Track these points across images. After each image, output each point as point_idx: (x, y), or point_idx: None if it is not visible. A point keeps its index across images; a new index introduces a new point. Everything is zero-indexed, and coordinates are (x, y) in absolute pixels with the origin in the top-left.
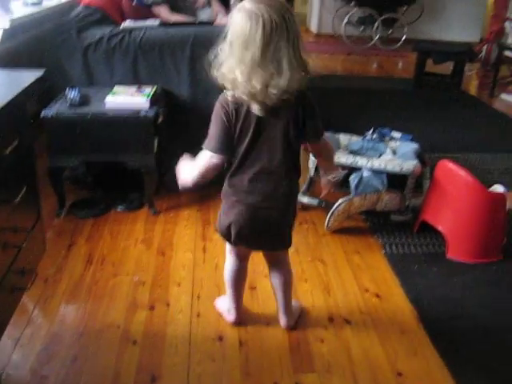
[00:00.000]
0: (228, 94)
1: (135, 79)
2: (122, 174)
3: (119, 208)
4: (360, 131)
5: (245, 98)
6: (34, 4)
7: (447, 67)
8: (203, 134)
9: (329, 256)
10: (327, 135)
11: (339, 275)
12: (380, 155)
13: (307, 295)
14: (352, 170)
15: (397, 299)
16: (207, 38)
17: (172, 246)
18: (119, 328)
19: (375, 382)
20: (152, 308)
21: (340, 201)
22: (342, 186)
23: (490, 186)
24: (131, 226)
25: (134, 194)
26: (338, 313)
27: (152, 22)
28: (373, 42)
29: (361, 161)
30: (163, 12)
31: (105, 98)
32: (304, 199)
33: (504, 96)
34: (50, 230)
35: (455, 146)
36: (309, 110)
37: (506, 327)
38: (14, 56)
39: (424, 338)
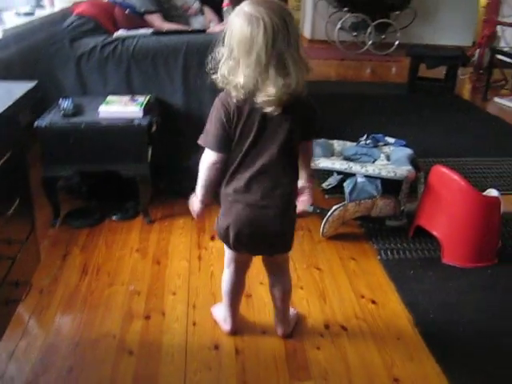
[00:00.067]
0: (231, 94)
1: (128, 88)
2: (116, 184)
3: (114, 217)
4: (354, 137)
5: (254, 99)
6: (26, 14)
7: (440, 72)
8: (197, 143)
9: (324, 262)
10: (320, 141)
11: (335, 282)
12: (374, 161)
13: (303, 302)
14: (346, 175)
15: (392, 305)
16: (200, 47)
17: (167, 254)
18: (115, 338)
19: None
20: (148, 317)
21: (335, 207)
22: (337, 192)
23: (484, 190)
24: (126, 236)
25: (129, 203)
26: (334, 319)
27: (145, 31)
28: (366, 47)
29: (355, 167)
30: (156, 20)
31: (98, 107)
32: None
33: (497, 99)
34: (45, 240)
35: (449, 150)
36: (311, 111)
37: (501, 331)
38: (7, 66)
39: (420, 343)
